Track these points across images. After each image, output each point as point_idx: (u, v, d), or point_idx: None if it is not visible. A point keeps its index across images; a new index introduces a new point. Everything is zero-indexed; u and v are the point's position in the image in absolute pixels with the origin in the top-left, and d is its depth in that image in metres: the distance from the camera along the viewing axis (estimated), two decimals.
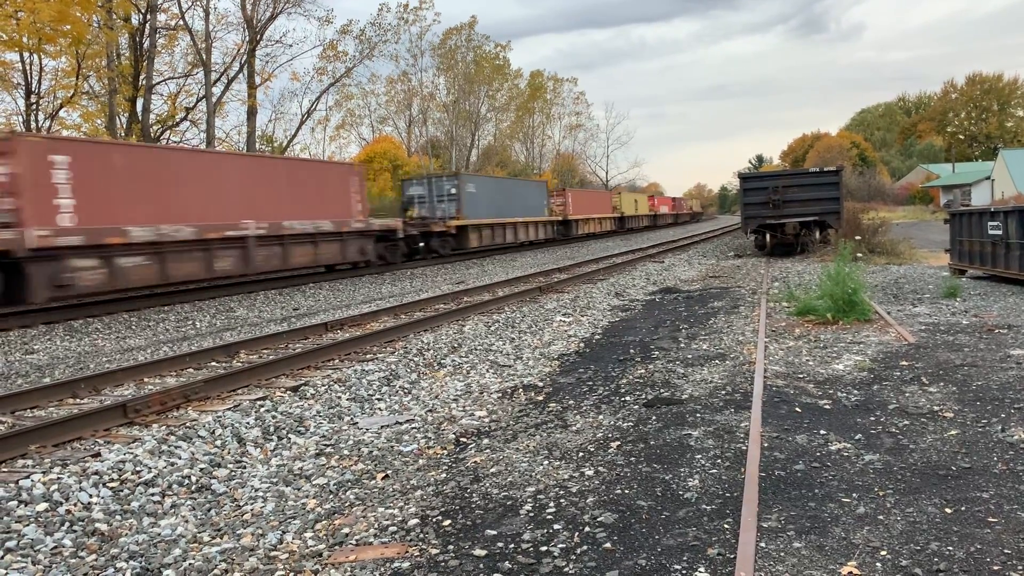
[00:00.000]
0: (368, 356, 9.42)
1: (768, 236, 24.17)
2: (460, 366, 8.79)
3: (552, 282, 17.36)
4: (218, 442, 6.01)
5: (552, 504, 4.47)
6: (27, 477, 5.15)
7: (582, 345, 9.81)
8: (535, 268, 23.25)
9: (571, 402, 6.89)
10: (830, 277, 10.75)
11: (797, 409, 6.16)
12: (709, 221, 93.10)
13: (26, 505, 4.73)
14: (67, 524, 4.50)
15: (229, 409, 6.93)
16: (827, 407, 6.21)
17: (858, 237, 20.46)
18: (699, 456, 5.16)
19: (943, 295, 12.51)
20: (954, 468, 4.73)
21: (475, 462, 5.35)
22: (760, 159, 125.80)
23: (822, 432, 5.54)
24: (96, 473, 5.23)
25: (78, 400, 7.76)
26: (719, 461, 5.04)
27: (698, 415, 6.14)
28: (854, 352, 8.32)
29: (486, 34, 69.73)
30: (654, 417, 6.15)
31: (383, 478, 5.17)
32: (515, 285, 17.67)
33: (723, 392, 6.84)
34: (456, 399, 7.28)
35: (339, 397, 7.40)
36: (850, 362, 7.82)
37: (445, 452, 5.67)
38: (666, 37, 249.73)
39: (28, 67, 30.24)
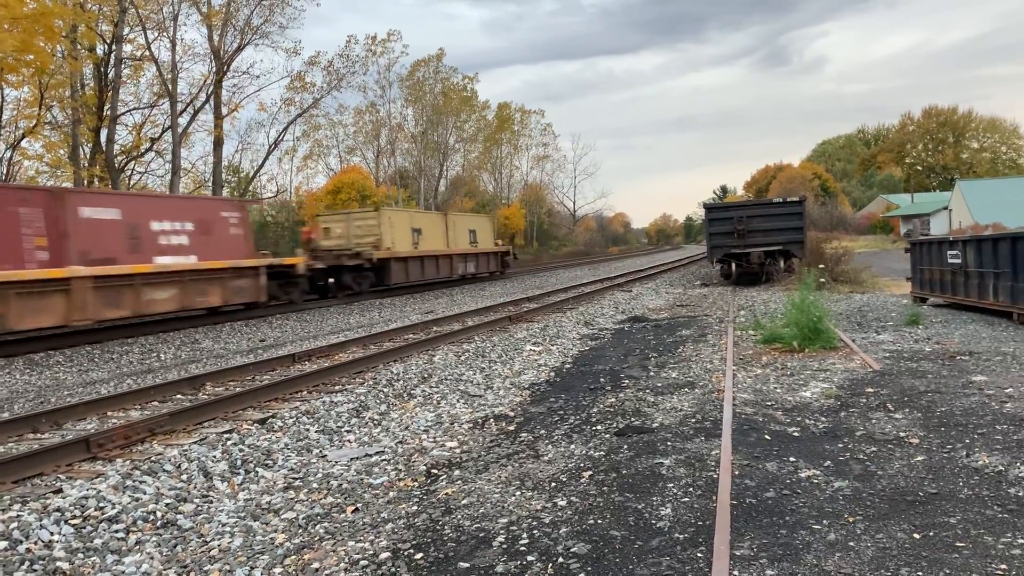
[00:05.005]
0: (337, 387, 9.33)
1: (734, 265, 24.44)
2: (430, 396, 8.74)
3: (522, 311, 17.37)
4: (184, 476, 5.90)
5: (525, 535, 4.44)
6: None
7: (552, 374, 9.81)
8: None
9: (542, 432, 6.87)
10: (795, 306, 10.89)
11: (766, 437, 6.21)
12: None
13: None
14: (27, 563, 4.37)
15: (195, 442, 6.81)
16: (796, 434, 6.27)
17: (821, 266, 20.79)
18: (671, 485, 5.17)
19: (905, 323, 12.73)
20: (922, 494, 4.80)
21: (446, 494, 5.31)
22: (724, 190, 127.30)
23: (791, 459, 5.59)
24: (58, 510, 5.10)
25: (39, 435, 7.57)
26: (691, 489, 5.06)
27: (669, 443, 6.16)
28: (821, 380, 8.42)
29: (454, 66, 70.08)
30: (625, 446, 6.16)
31: (353, 511, 5.10)
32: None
33: (693, 420, 6.88)
34: (427, 430, 7.23)
35: (307, 429, 7.30)
36: (817, 389, 7.91)
37: (416, 484, 5.61)
38: (633, 69, 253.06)
39: None
